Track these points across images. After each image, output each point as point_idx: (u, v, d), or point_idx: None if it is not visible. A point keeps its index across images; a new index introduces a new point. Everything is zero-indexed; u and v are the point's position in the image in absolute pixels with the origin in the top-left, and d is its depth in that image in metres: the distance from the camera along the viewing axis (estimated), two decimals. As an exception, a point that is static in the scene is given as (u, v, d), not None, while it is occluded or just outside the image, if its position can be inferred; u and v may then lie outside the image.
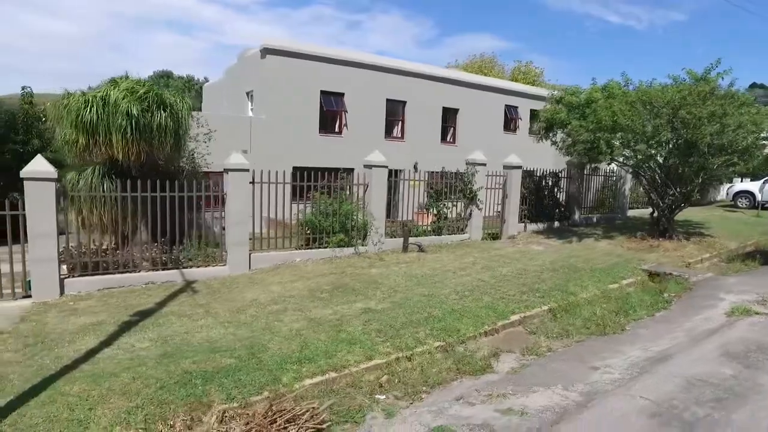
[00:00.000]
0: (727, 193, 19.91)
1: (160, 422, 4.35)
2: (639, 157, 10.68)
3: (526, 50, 76.16)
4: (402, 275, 8.89)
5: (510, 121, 19.74)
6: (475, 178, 11.97)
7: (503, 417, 4.55)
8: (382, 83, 15.97)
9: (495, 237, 12.63)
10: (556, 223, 14.00)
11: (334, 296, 7.69)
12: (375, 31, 78.26)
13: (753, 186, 18.32)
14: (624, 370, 5.34)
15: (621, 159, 11.16)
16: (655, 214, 12.07)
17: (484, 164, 12.06)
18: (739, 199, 18.66)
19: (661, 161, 10.98)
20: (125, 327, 6.41)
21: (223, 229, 9.69)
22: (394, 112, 16.70)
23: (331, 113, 15.41)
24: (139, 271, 8.47)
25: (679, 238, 11.57)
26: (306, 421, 3.93)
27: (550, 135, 12.73)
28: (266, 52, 13.97)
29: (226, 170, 8.94)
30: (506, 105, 19.36)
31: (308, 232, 10.05)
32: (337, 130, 15.69)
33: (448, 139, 18.10)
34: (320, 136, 15.11)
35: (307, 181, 10.07)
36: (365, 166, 10.66)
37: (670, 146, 10.48)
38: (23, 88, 15.11)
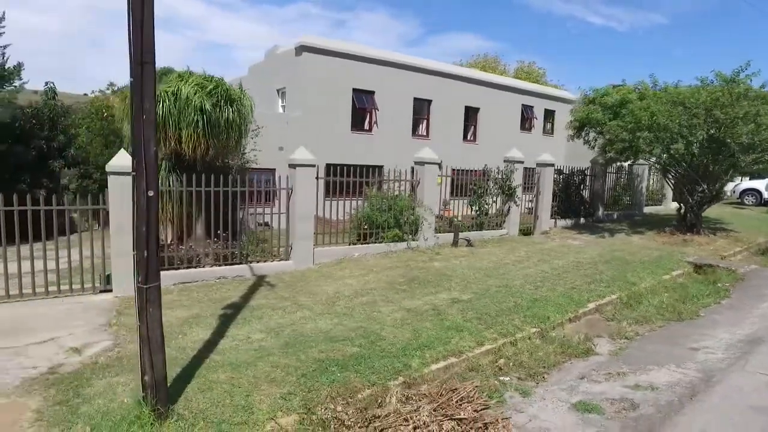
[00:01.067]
0: (734, 191, 20.87)
1: (320, 407, 4.52)
2: (673, 155, 11.21)
3: (511, 51, 77.46)
4: (466, 268, 9.18)
5: (526, 120, 20.28)
6: (514, 176, 12.35)
7: (636, 392, 4.88)
8: (410, 82, 16.24)
9: (527, 233, 13.02)
10: (582, 220, 14.51)
11: (413, 288, 7.92)
12: (361, 30, 78.41)
13: (759, 184, 19.28)
14: (724, 350, 5.75)
15: (654, 157, 11.68)
16: (682, 210, 12.68)
17: (522, 162, 12.47)
18: (746, 197, 19.61)
19: (690, 159, 11.54)
20: (226, 319, 6.50)
21: (265, 225, 9.79)
22: (420, 110, 17.00)
23: (362, 111, 15.60)
24: (203, 266, 8.51)
25: (707, 233, 12.20)
26: (477, 398, 4.18)
27: (582, 134, 13.21)
28: (302, 49, 14.05)
29: (293, 165, 9.06)
30: (523, 104, 19.89)
31: (365, 227, 10.24)
32: (367, 127, 15.87)
33: (468, 137, 18.50)
34: (352, 133, 15.29)
35: (359, 177, 10.25)
36: (416, 163, 10.92)
37: (702, 145, 11.03)
38: (46, 83, 14.89)
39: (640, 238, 12.31)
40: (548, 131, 21.01)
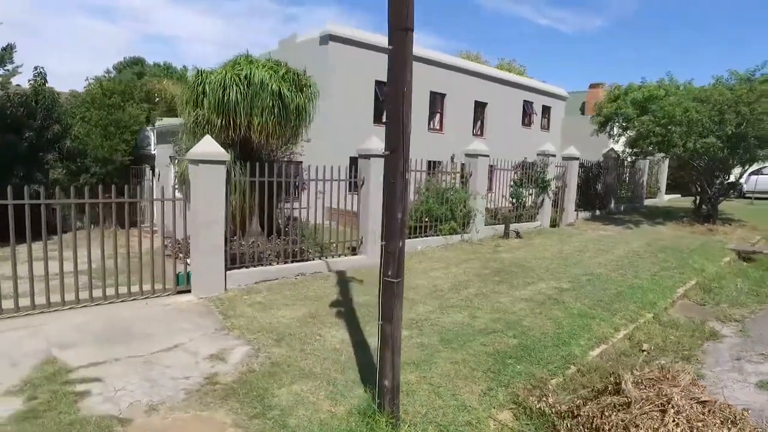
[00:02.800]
0: None
1: (531, 399, 4.34)
2: (698, 148, 11.74)
3: (466, 49, 79.08)
4: (537, 258, 9.21)
5: (526, 116, 20.72)
6: (548, 169, 12.55)
7: (810, 370, 5.06)
8: (427, 75, 16.06)
9: (553, 224, 13.27)
10: (597, 212, 15.03)
11: (506, 279, 7.82)
12: (312, 25, 77.30)
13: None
14: None
15: (684, 150, 12.20)
16: (697, 201, 13.44)
17: (554, 155, 12.71)
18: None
19: (713, 153, 12.19)
20: (348, 317, 6.11)
21: (294, 219, 9.29)
22: (435, 104, 16.89)
23: (383, 104, 15.26)
24: (271, 263, 7.93)
25: (720, 223, 13.00)
26: (697, 381, 4.16)
27: (606, 129, 13.66)
28: (329, 38, 13.50)
29: (366, 155, 8.70)
30: (524, 100, 20.31)
31: (426, 219, 10.02)
32: (386, 120, 15.49)
33: (476, 132, 18.62)
34: (374, 126, 14.90)
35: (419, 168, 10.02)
36: (467, 155, 10.82)
37: (725, 139, 11.68)
38: (35, 68, 13.31)
39: (666, 228, 12.91)
40: (545, 127, 21.62)
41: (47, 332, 5.39)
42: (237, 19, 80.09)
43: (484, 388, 4.47)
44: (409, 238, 9.80)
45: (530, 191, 12.47)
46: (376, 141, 8.79)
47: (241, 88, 7.70)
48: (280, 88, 7.80)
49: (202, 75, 7.96)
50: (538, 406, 4.26)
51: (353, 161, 10.30)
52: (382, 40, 15.26)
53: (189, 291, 6.96)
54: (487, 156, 10.85)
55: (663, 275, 8.32)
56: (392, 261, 3.52)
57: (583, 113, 25.06)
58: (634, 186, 17.14)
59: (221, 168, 6.86)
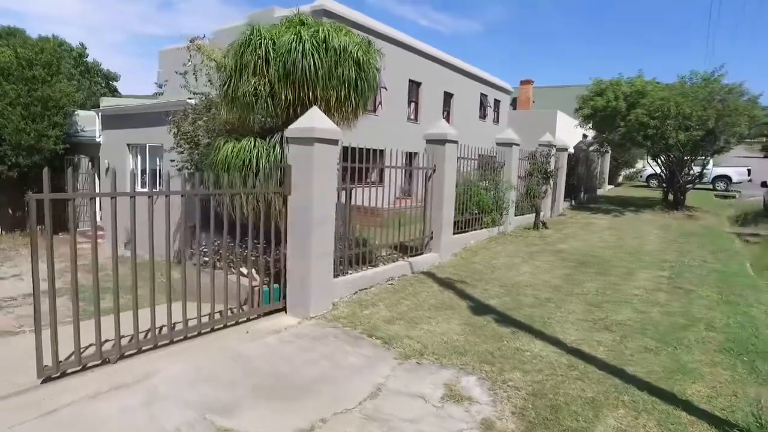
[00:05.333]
0: (640, 176, 24.95)
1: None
2: (684, 139, 12.59)
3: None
4: (595, 247, 9.15)
5: (482, 108, 20.80)
6: (550, 159, 12.59)
7: None
8: (407, 62, 15.17)
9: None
10: (573, 202, 15.62)
11: (602, 271, 7.50)
12: (189, 13, 71.29)
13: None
14: None
15: (674, 141, 12.95)
16: (667, 191, 14.62)
17: (555, 146, 12.78)
18: (652, 180, 23.37)
19: (691, 146, 13.20)
20: (519, 325, 5.19)
21: None
22: (411, 93, 16.03)
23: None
24: (346, 272, 6.60)
25: (688, 210, 14.28)
26: None
27: (591, 121, 14.17)
28: (323, 13, 11.90)
29: (439, 140, 7.69)
30: (481, 93, 20.37)
31: (476, 212, 9.29)
32: (371, 108, 14.30)
33: (444, 124, 18.17)
34: (363, 114, 13.58)
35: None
36: (498, 144, 10.30)
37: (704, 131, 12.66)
38: None
39: (648, 215, 13.78)
40: (495, 120, 22.00)
41: (165, 390, 3.66)
42: (108, 3, 70.35)
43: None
44: (460, 232, 9.02)
45: (537, 181, 12.39)
46: (446, 126, 7.85)
47: (321, 54, 6.18)
48: (368, 58, 6.45)
49: (262, 33, 6.22)
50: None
51: (345, 151, 9.04)
52: (367, 20, 14.11)
53: (280, 310, 5.43)
54: (519, 145, 10.45)
55: (722, 256, 8.67)
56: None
57: (515, 108, 26.21)
58: (590, 178, 18.24)
59: (335, 150, 5.45)
